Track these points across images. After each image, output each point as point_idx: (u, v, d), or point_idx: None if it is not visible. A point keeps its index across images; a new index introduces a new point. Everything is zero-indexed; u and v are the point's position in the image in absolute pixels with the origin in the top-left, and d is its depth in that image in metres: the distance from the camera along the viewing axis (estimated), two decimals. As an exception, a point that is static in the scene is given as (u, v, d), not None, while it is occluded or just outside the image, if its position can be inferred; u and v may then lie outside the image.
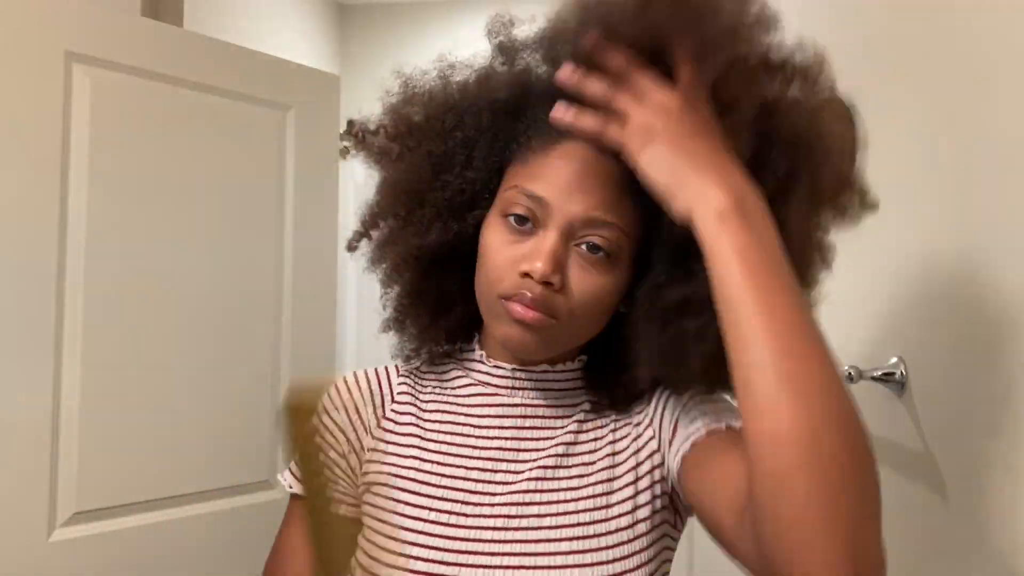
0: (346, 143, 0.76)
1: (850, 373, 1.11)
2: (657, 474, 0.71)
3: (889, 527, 1.05)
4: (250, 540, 1.59)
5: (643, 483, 0.70)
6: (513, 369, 0.75)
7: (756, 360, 0.52)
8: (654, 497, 0.70)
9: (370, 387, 0.79)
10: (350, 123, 0.80)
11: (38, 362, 1.48)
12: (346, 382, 0.80)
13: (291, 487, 0.79)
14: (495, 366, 0.76)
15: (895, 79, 1.12)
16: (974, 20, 0.89)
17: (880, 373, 1.10)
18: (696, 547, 1.87)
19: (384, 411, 0.78)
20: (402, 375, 0.81)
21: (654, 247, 0.68)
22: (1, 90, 1.44)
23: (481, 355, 0.77)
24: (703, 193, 0.57)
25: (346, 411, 0.78)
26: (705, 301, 0.58)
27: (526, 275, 0.65)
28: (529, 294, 0.65)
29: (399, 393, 0.79)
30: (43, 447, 1.47)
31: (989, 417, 0.84)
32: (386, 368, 0.82)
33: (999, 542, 0.82)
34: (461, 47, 0.80)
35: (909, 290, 1.05)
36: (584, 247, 0.66)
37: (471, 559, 0.68)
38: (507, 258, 0.67)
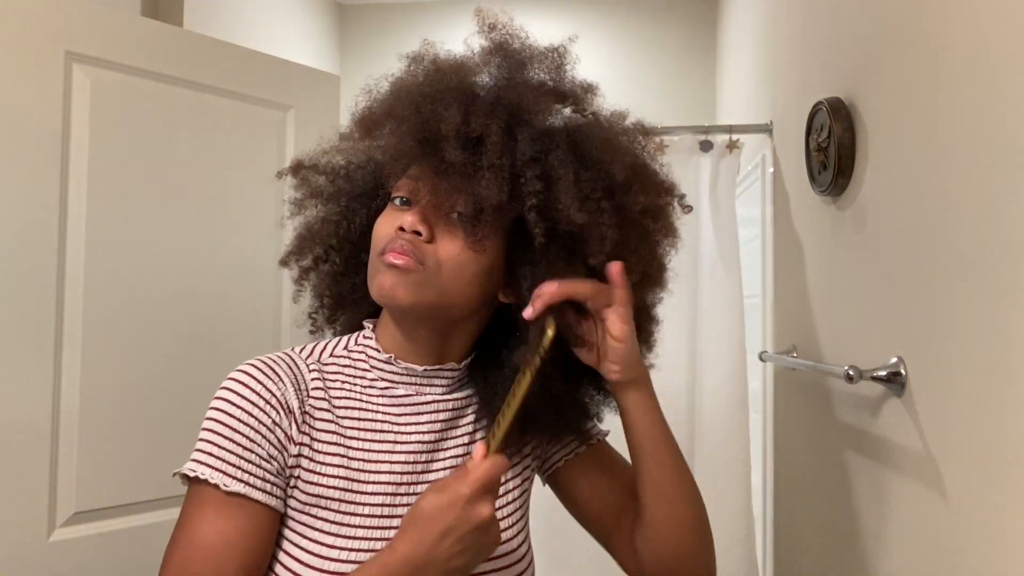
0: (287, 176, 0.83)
1: (850, 373, 1.11)
2: (533, 461, 0.90)
3: (889, 527, 1.05)
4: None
5: (527, 462, 0.89)
6: (424, 370, 0.81)
7: (668, 477, 0.80)
8: (526, 480, 0.89)
9: (292, 373, 0.79)
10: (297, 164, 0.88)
11: (38, 362, 1.48)
12: (272, 366, 0.79)
13: (202, 475, 0.73)
14: (406, 367, 0.81)
15: (895, 79, 1.12)
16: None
17: (880, 373, 1.10)
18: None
19: (304, 404, 0.78)
20: (311, 369, 0.81)
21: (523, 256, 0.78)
22: (1, 90, 1.44)
23: (390, 357, 0.81)
24: (642, 366, 0.81)
25: (282, 386, 0.77)
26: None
27: (400, 229, 0.76)
28: (400, 242, 0.75)
29: (313, 388, 0.80)
30: (43, 447, 1.47)
31: (989, 417, 0.84)
32: (290, 357, 0.82)
33: (999, 542, 0.82)
34: (460, 47, 0.83)
35: (909, 290, 1.05)
36: (454, 216, 0.76)
37: None
38: (388, 226, 0.78)
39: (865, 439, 1.22)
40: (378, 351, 0.82)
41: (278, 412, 0.76)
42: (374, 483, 0.77)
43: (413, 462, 0.79)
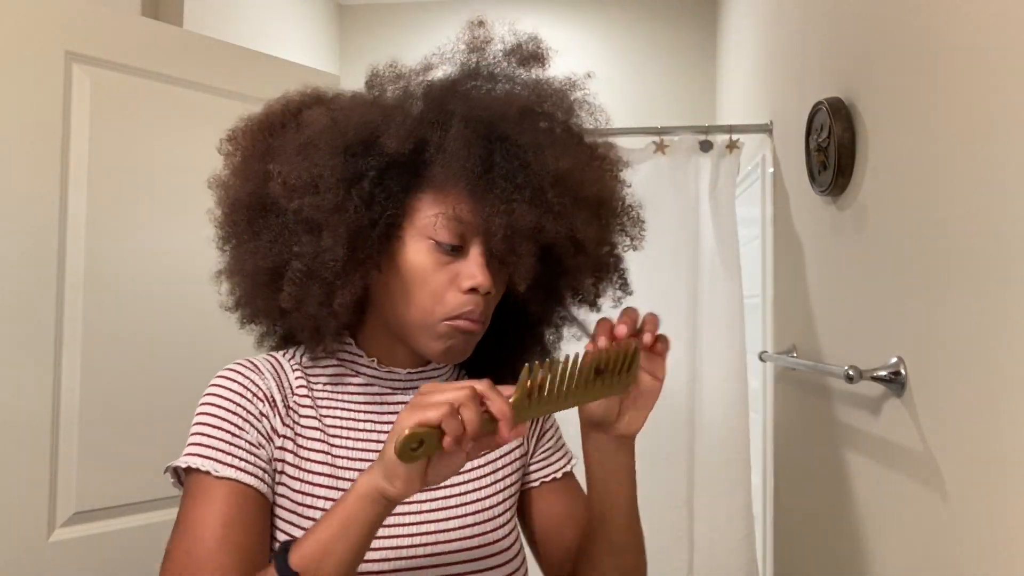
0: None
1: (850, 373, 1.11)
2: (518, 469, 0.87)
3: (890, 527, 1.05)
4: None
5: (513, 467, 0.86)
6: (407, 373, 0.81)
7: (625, 532, 0.79)
8: (514, 483, 0.86)
9: (275, 372, 0.80)
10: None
11: (38, 362, 1.48)
12: (256, 363, 0.79)
13: (193, 464, 0.74)
14: (388, 371, 0.81)
15: (895, 79, 1.12)
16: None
17: (880, 373, 1.09)
18: (696, 548, 1.87)
19: (288, 401, 0.79)
20: (295, 369, 0.81)
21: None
22: (1, 90, 1.44)
23: (372, 360, 0.81)
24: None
25: (266, 381, 0.78)
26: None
27: (471, 291, 0.73)
28: (476, 309, 0.74)
29: (297, 387, 0.80)
30: (43, 447, 1.47)
31: (989, 417, 0.84)
32: (275, 357, 0.82)
33: (999, 541, 0.82)
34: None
35: (909, 290, 1.05)
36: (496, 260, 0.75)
37: (392, 553, 0.75)
38: (443, 280, 0.74)
39: (865, 439, 1.22)
40: (361, 355, 0.82)
41: (264, 403, 0.77)
42: (352, 481, 0.76)
43: None
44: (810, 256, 1.57)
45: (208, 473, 0.73)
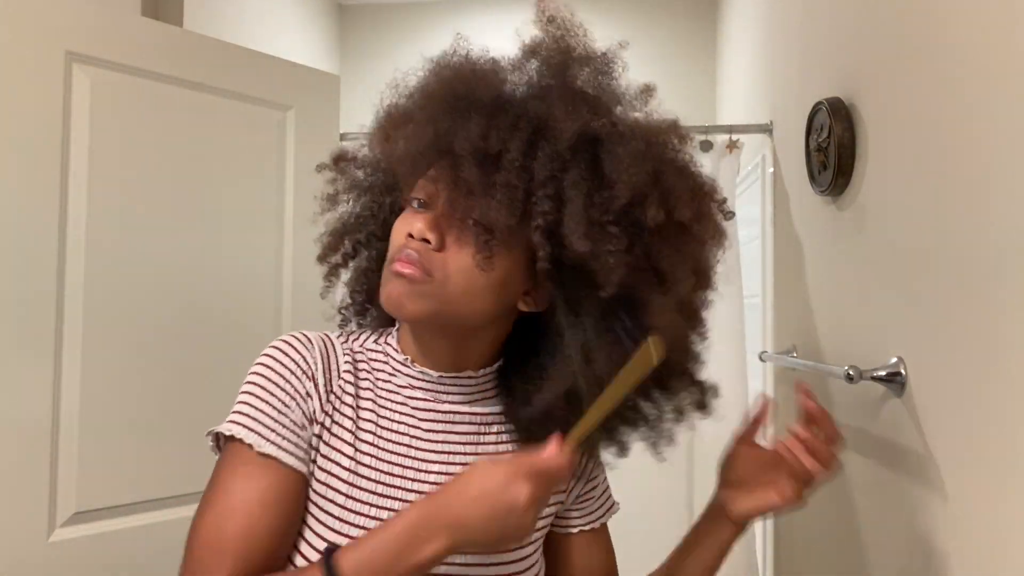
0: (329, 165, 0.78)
1: (850, 373, 1.11)
2: (552, 503, 0.85)
3: (889, 527, 1.05)
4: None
5: (551, 508, 0.85)
6: (439, 376, 0.80)
7: None
8: (546, 516, 0.85)
9: (325, 352, 0.80)
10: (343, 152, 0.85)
11: (38, 362, 1.47)
12: (310, 339, 0.80)
13: (237, 434, 0.73)
14: (420, 371, 0.80)
15: (895, 79, 1.12)
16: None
17: (880, 373, 1.09)
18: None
19: (332, 384, 0.78)
20: (344, 352, 0.81)
21: (568, 274, 0.73)
22: (1, 90, 1.44)
23: (406, 359, 0.81)
24: None
25: (316, 360, 0.78)
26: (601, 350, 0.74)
27: (409, 236, 0.74)
28: (408, 250, 0.73)
29: (344, 371, 0.80)
30: (43, 447, 1.47)
31: (989, 417, 0.84)
32: (328, 337, 0.82)
33: (999, 542, 0.82)
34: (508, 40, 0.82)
35: (909, 290, 1.05)
36: (470, 223, 0.72)
37: None
38: (401, 230, 0.76)
39: (865, 439, 1.22)
40: (397, 351, 0.81)
41: (310, 382, 0.77)
42: (373, 481, 0.76)
43: (425, 471, 0.77)
44: (810, 256, 1.57)
45: (251, 447, 0.72)
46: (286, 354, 0.77)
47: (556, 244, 0.71)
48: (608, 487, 0.92)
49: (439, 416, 0.79)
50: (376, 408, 0.79)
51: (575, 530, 0.88)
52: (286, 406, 0.74)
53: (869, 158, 1.23)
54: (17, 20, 1.46)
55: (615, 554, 0.91)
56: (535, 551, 0.83)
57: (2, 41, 1.44)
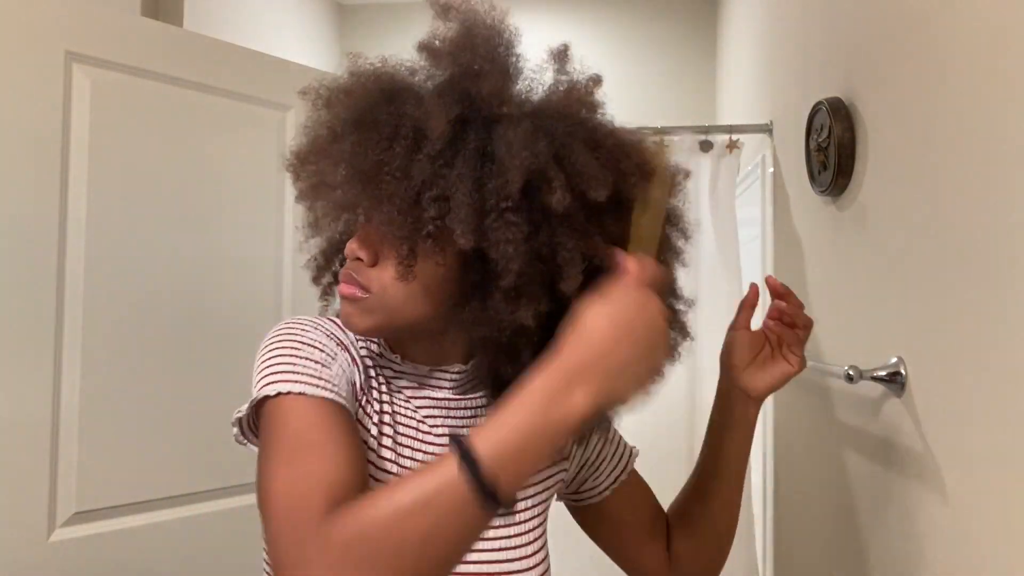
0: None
1: (850, 373, 1.11)
2: (551, 486, 0.87)
3: (890, 527, 1.05)
4: (251, 540, 1.59)
5: (546, 483, 0.86)
6: (430, 370, 0.81)
7: (739, 489, 0.94)
8: (545, 500, 0.86)
9: (344, 333, 0.80)
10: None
11: (38, 362, 1.48)
12: (321, 319, 0.80)
13: (283, 389, 0.68)
14: (412, 366, 0.81)
15: (895, 79, 1.12)
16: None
17: (880, 373, 1.09)
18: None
19: (360, 363, 0.79)
20: (358, 338, 0.81)
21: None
22: (1, 90, 1.44)
23: (396, 357, 0.81)
24: None
25: (344, 337, 0.79)
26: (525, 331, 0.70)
27: (345, 257, 0.75)
28: (346, 270, 0.74)
29: (363, 356, 0.80)
30: (43, 447, 1.47)
31: (989, 417, 0.84)
32: (336, 323, 0.82)
33: (999, 542, 0.82)
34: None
35: (909, 290, 1.05)
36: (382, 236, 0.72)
37: None
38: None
39: (865, 439, 1.22)
40: (387, 350, 0.82)
41: (348, 355, 0.77)
42: (392, 463, 0.77)
43: (434, 455, 0.78)
44: (810, 256, 1.57)
45: (301, 395, 0.67)
46: (313, 326, 0.76)
47: (450, 246, 0.68)
48: (620, 438, 0.95)
49: (434, 403, 0.81)
50: (386, 393, 0.80)
51: (608, 491, 0.92)
52: (331, 359, 0.73)
53: (869, 158, 1.23)
54: (17, 20, 1.46)
55: (648, 486, 0.97)
56: (541, 548, 0.83)
57: (2, 41, 1.44)
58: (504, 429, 0.57)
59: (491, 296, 0.69)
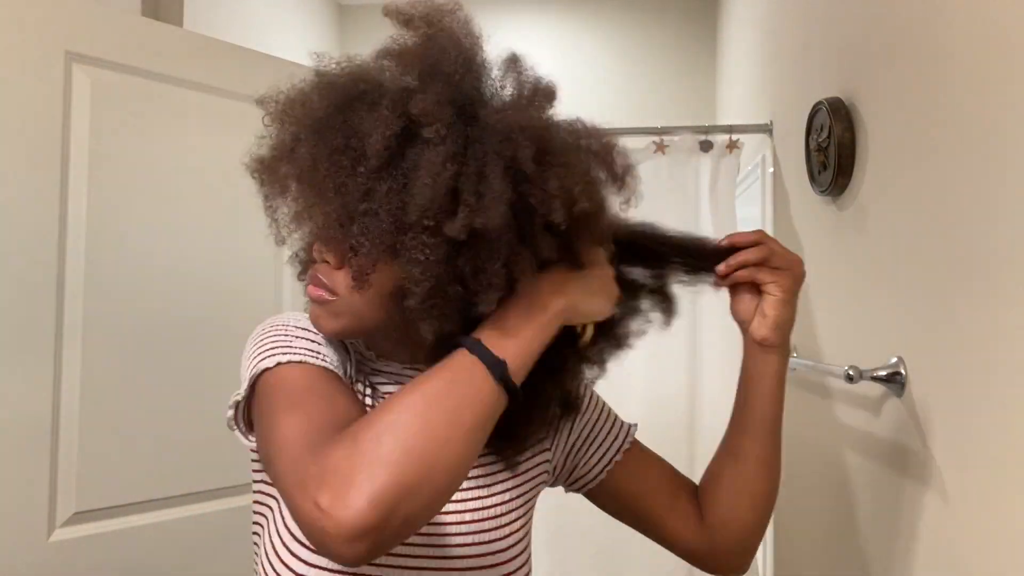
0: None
1: (850, 373, 1.11)
2: (536, 475, 0.87)
3: (889, 527, 1.05)
4: (251, 539, 1.59)
5: (529, 475, 0.86)
6: (402, 367, 0.81)
7: (776, 446, 0.87)
8: (530, 490, 0.86)
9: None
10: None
11: (38, 361, 1.48)
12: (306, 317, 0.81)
13: (281, 360, 0.71)
14: (386, 363, 0.82)
15: (895, 79, 1.12)
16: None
17: (880, 373, 1.09)
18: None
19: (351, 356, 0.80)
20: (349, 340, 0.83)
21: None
22: (1, 90, 1.44)
23: (371, 354, 0.82)
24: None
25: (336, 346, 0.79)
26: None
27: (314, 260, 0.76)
28: (314, 273, 0.75)
29: (355, 351, 0.82)
30: (43, 447, 1.47)
31: (989, 417, 0.84)
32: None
33: (999, 541, 0.82)
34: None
35: (909, 290, 1.05)
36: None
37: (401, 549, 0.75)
38: None
39: (865, 439, 1.22)
40: (365, 347, 0.83)
41: (343, 346, 0.78)
42: None
43: None
44: (810, 256, 1.57)
45: (302, 362, 0.71)
46: (302, 319, 0.78)
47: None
48: (615, 419, 0.93)
49: None
50: (369, 387, 0.81)
51: (603, 474, 0.91)
52: (324, 344, 0.75)
53: (869, 158, 1.23)
54: (17, 20, 1.46)
55: (658, 457, 0.94)
56: (524, 550, 0.83)
57: (2, 41, 1.44)
58: (497, 321, 0.67)
59: (408, 311, 0.69)
